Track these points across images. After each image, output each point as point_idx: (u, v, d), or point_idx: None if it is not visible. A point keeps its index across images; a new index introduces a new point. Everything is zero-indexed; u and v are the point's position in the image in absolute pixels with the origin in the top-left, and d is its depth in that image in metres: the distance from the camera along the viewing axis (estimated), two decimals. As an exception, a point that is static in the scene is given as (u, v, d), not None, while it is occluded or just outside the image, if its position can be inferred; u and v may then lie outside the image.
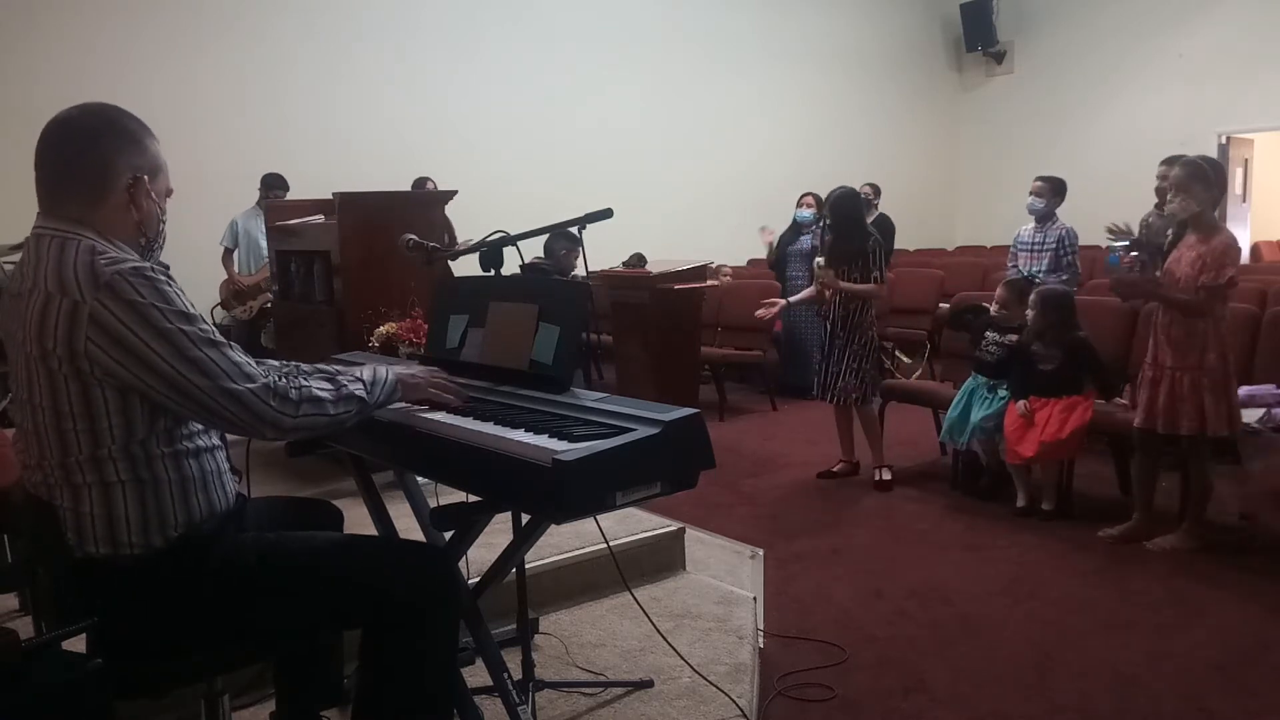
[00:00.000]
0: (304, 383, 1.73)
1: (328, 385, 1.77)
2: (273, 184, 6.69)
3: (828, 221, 4.89)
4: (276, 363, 2.01)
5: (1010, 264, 5.64)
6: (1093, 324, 4.45)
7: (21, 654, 1.43)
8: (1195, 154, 3.84)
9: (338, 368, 2.11)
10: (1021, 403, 4.24)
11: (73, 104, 1.70)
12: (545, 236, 2.46)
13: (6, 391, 5.82)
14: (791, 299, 5.34)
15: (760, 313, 5.15)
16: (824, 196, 4.96)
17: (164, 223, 1.75)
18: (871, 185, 8.49)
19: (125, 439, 1.60)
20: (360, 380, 1.83)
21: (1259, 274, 7.20)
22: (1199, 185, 3.61)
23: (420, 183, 7.12)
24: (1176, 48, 10.45)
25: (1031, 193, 5.55)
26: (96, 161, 1.64)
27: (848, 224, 4.82)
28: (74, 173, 1.65)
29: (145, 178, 1.68)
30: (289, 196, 6.51)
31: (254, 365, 1.67)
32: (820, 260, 4.88)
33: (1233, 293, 3.70)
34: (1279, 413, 3.86)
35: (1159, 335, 3.75)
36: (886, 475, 4.86)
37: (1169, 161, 5.09)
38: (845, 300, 4.81)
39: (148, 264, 1.62)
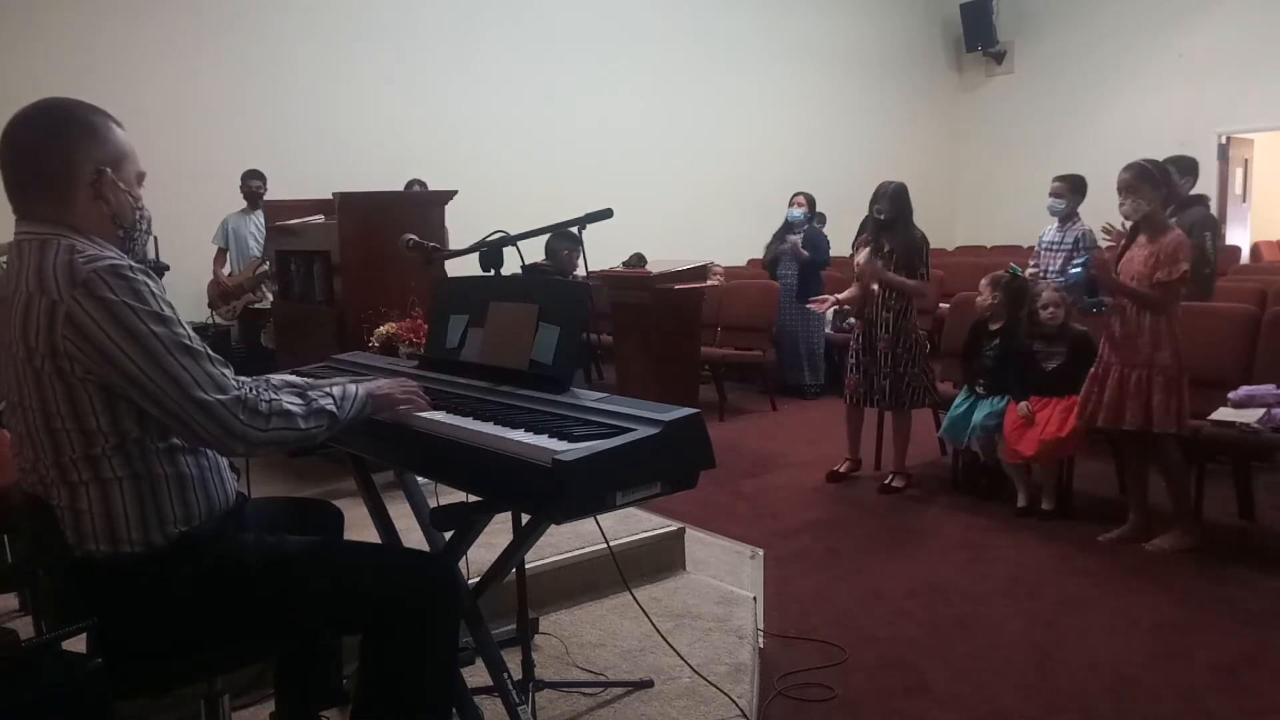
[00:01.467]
0: (273, 396, 1.68)
1: (298, 400, 1.73)
2: (250, 176, 6.74)
3: (885, 216, 4.72)
4: (246, 378, 1.98)
5: (1032, 264, 5.58)
6: (1093, 324, 4.45)
7: (21, 654, 1.43)
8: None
9: (308, 380, 2.08)
10: (1023, 404, 4.24)
11: None
12: (545, 237, 2.46)
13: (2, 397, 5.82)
14: (839, 295, 5.09)
15: (814, 305, 5.15)
16: (880, 191, 4.74)
17: (140, 210, 1.73)
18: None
19: (117, 436, 1.59)
20: (330, 395, 1.80)
21: (1259, 274, 7.19)
22: (1147, 186, 3.70)
23: (411, 185, 7.07)
24: (1176, 48, 10.45)
25: (1051, 193, 5.49)
26: (55, 162, 1.62)
27: (905, 218, 4.75)
28: (36, 176, 1.63)
29: (108, 170, 1.66)
30: (284, 195, 6.52)
31: (227, 377, 1.62)
32: (861, 256, 4.75)
33: (1184, 290, 3.75)
34: (1279, 413, 3.86)
35: (1111, 333, 3.81)
36: (900, 483, 4.80)
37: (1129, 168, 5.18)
38: (889, 301, 4.72)
39: (126, 262, 1.60)
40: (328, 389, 1.84)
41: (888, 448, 5.09)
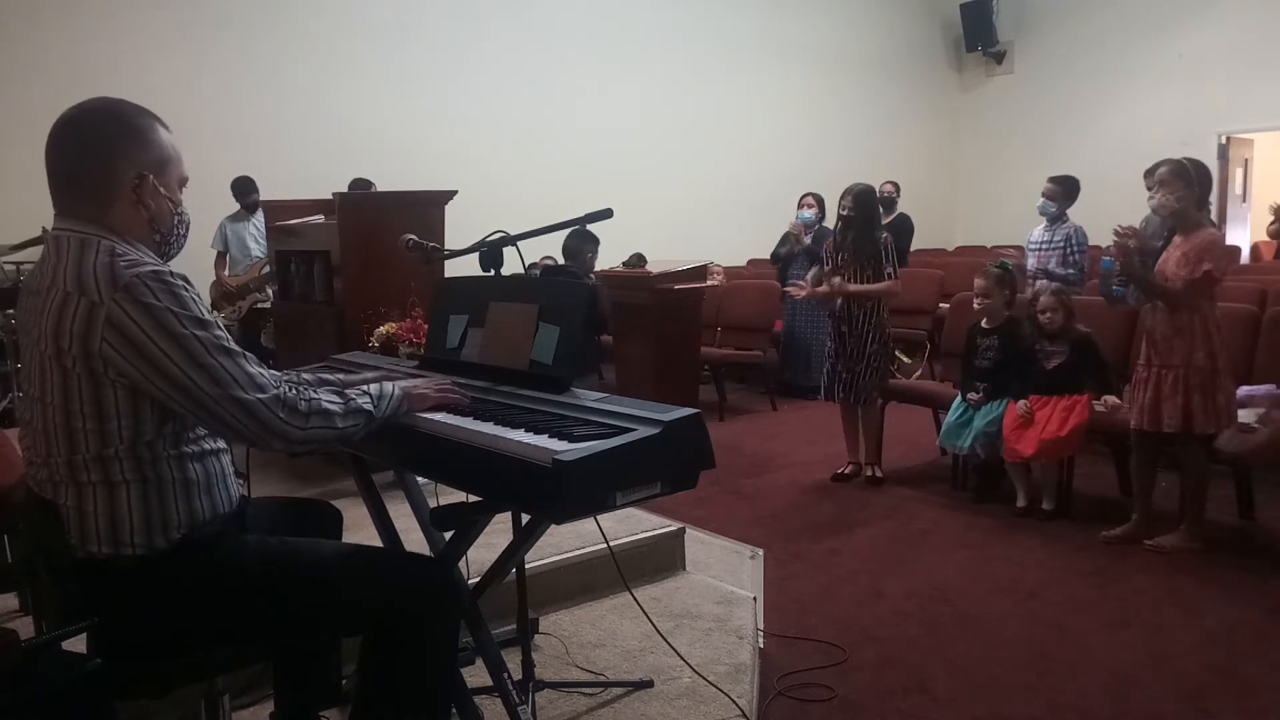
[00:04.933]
0: (313, 395, 1.72)
1: (336, 398, 1.76)
2: (247, 191, 6.74)
3: (850, 215, 4.79)
4: (279, 373, 2.01)
5: (1027, 265, 5.61)
6: (1094, 323, 4.45)
7: (22, 654, 1.43)
8: (1194, 154, 3.87)
9: (341, 376, 2.11)
10: (1022, 402, 4.24)
11: (70, 104, 1.69)
12: (546, 236, 2.47)
13: (7, 391, 5.83)
14: (817, 290, 5.00)
15: (791, 290, 5.24)
16: (847, 189, 4.83)
17: (179, 215, 1.74)
18: (893, 183, 8.47)
19: (133, 439, 1.61)
20: (368, 394, 1.83)
21: (1259, 274, 7.18)
22: (1179, 182, 3.67)
23: (361, 184, 6.74)
24: (1176, 48, 10.45)
25: (1043, 194, 5.52)
26: (100, 165, 1.64)
27: (869, 221, 4.83)
28: (79, 177, 1.65)
29: (150, 176, 1.67)
30: (283, 195, 6.48)
31: (266, 376, 1.66)
32: (818, 270, 4.86)
33: (1219, 290, 3.73)
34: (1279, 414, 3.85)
35: (1148, 334, 3.79)
36: (879, 473, 4.93)
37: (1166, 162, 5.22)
38: (861, 299, 4.80)
39: (166, 268, 1.62)
40: (364, 387, 1.86)
41: (888, 448, 5.10)
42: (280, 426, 1.64)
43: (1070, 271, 5.44)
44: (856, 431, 5.07)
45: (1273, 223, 8.11)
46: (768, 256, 7.90)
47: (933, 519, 4.37)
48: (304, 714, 2.10)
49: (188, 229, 1.78)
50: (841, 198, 4.85)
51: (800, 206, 7.28)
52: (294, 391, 1.68)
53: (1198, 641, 3.06)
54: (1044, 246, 5.51)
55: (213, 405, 1.59)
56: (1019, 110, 11.91)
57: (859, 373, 4.83)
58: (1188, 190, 3.67)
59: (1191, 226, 3.70)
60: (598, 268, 6.47)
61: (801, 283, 5.20)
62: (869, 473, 4.95)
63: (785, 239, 7.35)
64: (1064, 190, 5.53)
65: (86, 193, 1.64)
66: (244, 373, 1.62)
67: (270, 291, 6.56)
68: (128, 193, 1.65)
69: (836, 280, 4.79)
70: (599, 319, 5.64)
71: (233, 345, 1.64)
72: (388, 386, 1.90)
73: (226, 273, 6.82)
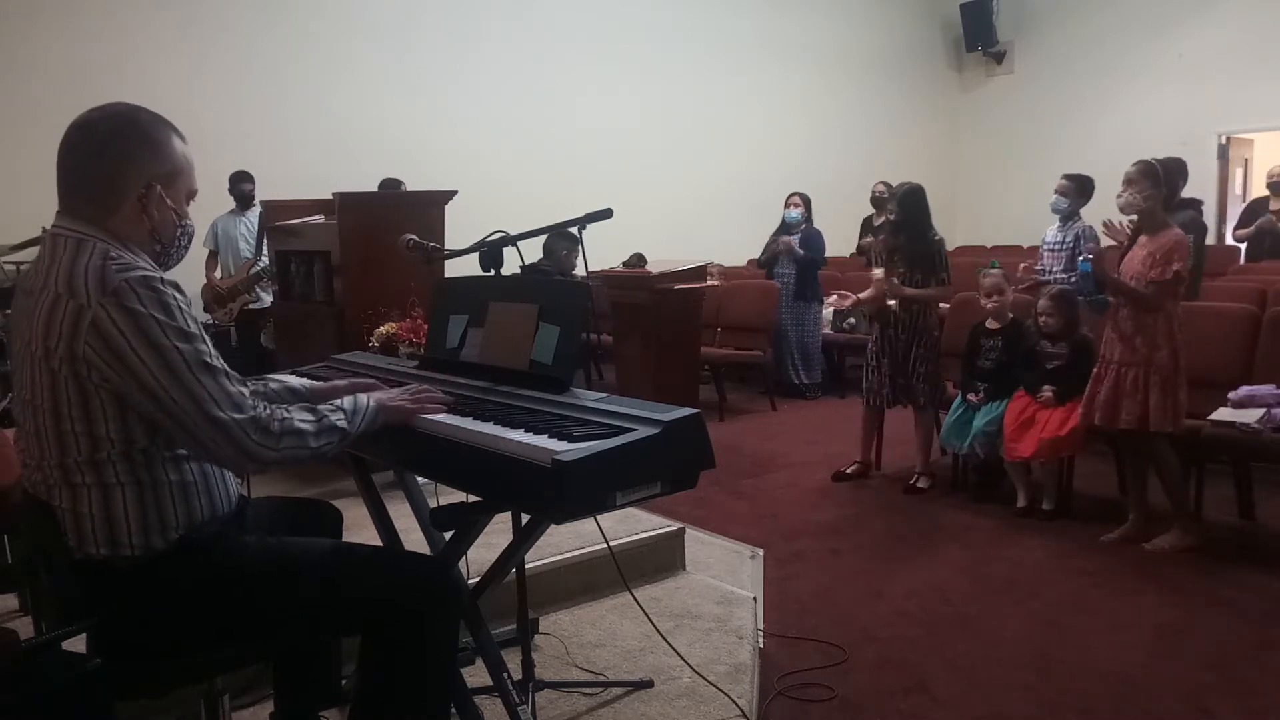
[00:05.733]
0: (285, 414, 1.68)
1: (309, 416, 1.72)
2: (241, 179, 6.70)
3: (899, 219, 4.69)
4: (247, 386, 1.96)
5: (1039, 265, 5.57)
6: (1094, 325, 4.44)
7: (22, 654, 1.43)
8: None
9: (307, 383, 2.08)
10: (1046, 388, 4.21)
11: (69, 106, 1.69)
12: (544, 237, 2.47)
13: (7, 392, 5.83)
14: (861, 295, 4.98)
15: (835, 303, 5.11)
16: (892, 193, 4.70)
17: (182, 226, 1.73)
18: (885, 184, 8.46)
19: (125, 444, 1.59)
20: (341, 410, 1.79)
21: (1259, 274, 7.18)
22: (1147, 182, 3.70)
23: (391, 184, 6.68)
24: (1176, 48, 10.44)
25: (1056, 191, 5.45)
26: (109, 171, 1.63)
27: (918, 221, 4.69)
28: (87, 180, 1.64)
29: (158, 186, 1.66)
30: (283, 195, 6.46)
31: (245, 396, 1.62)
32: (877, 273, 4.71)
33: (1182, 289, 3.75)
34: (1279, 413, 3.86)
35: (1111, 332, 3.82)
36: (925, 484, 4.76)
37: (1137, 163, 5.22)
38: (908, 302, 4.69)
39: (158, 274, 1.61)
40: (339, 402, 1.82)
41: (888, 448, 5.09)
42: (253, 448, 1.60)
43: (1073, 276, 5.34)
44: (874, 433, 5.01)
45: (1236, 228, 8.18)
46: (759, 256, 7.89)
47: (933, 519, 4.37)
48: (304, 714, 2.10)
49: (190, 240, 1.77)
50: (887, 201, 4.77)
51: (786, 206, 7.30)
52: (268, 412, 1.64)
53: (1198, 641, 3.06)
54: (1055, 248, 5.44)
55: (187, 421, 1.56)
56: (1019, 110, 11.91)
57: (911, 375, 4.71)
58: (1155, 190, 3.70)
59: (1158, 226, 3.73)
60: (598, 267, 6.47)
61: (845, 292, 5.08)
62: (913, 482, 4.76)
63: (768, 246, 7.38)
64: (1077, 187, 5.44)
65: (92, 195, 1.64)
66: (221, 390, 1.59)
67: (260, 292, 6.53)
68: (133, 201, 1.65)
69: (893, 281, 4.64)
70: None
71: (215, 361, 1.61)
72: (362, 400, 1.85)
73: (218, 274, 6.77)
